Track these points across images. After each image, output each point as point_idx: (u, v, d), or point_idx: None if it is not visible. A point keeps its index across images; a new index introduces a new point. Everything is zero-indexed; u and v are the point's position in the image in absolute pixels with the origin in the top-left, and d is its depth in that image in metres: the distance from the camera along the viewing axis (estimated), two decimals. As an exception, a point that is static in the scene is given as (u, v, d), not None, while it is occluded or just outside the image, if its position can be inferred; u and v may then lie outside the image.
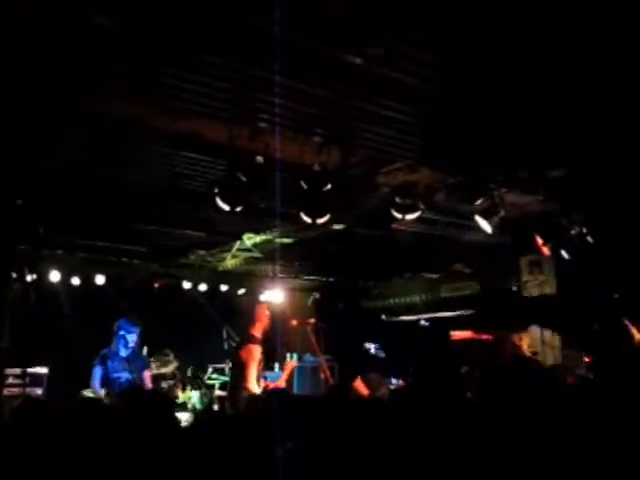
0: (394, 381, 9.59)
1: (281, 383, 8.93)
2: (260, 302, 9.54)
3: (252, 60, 4.59)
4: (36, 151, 6.43)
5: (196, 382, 10.67)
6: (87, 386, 8.94)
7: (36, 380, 9.66)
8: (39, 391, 9.32)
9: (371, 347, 9.68)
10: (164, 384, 10.08)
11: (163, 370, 10.35)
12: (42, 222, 8.28)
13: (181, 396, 10.01)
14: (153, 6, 4.04)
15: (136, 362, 8.18)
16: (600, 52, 4.67)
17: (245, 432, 3.51)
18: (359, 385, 9.32)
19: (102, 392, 7.93)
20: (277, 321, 12.95)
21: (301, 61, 4.62)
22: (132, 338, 8.22)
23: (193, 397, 10.07)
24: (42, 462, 3.16)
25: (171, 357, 10.47)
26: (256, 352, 8.15)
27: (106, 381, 7.92)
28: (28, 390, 9.17)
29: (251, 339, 8.32)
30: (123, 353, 8.10)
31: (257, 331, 8.40)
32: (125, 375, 7.98)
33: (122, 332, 8.18)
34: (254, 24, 4.12)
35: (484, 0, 4.12)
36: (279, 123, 5.59)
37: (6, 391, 8.59)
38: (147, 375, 8.41)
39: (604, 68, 4.89)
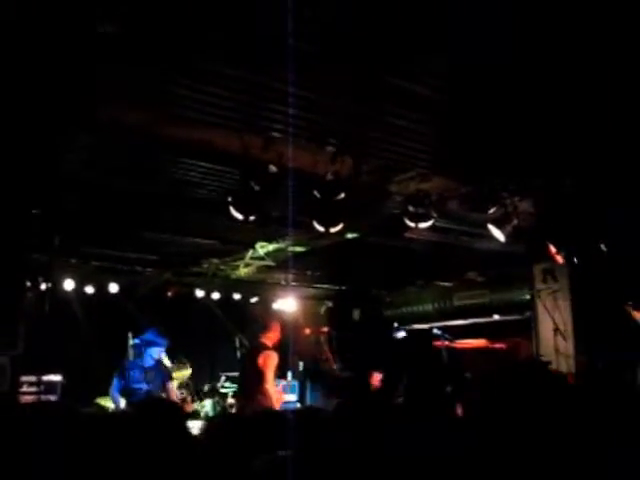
0: None
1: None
2: (273, 318, 9.56)
3: (266, 71, 4.62)
4: (51, 160, 6.48)
5: (210, 391, 10.69)
6: (101, 394, 9.01)
7: (50, 387, 9.70)
8: (53, 398, 9.35)
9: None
10: (178, 392, 10.09)
11: (178, 377, 10.38)
12: (56, 231, 8.32)
13: (194, 405, 10.02)
14: (167, 16, 4.07)
15: (157, 373, 8.25)
16: (614, 58, 4.66)
17: (252, 436, 3.52)
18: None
19: (121, 402, 8.00)
20: (290, 329, 13.04)
21: (314, 72, 4.64)
22: (159, 350, 8.31)
23: (206, 406, 10.08)
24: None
25: (187, 365, 10.49)
26: (275, 358, 8.25)
27: (127, 391, 7.99)
28: (43, 398, 9.20)
29: (266, 347, 8.39)
30: (146, 364, 8.17)
31: (269, 341, 8.49)
32: (145, 386, 8.05)
33: (150, 343, 8.25)
34: (268, 35, 4.15)
35: (496, 9, 4.12)
36: (292, 133, 5.61)
37: (21, 398, 8.63)
38: (170, 386, 8.46)
39: (618, 75, 4.89)
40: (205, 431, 4.01)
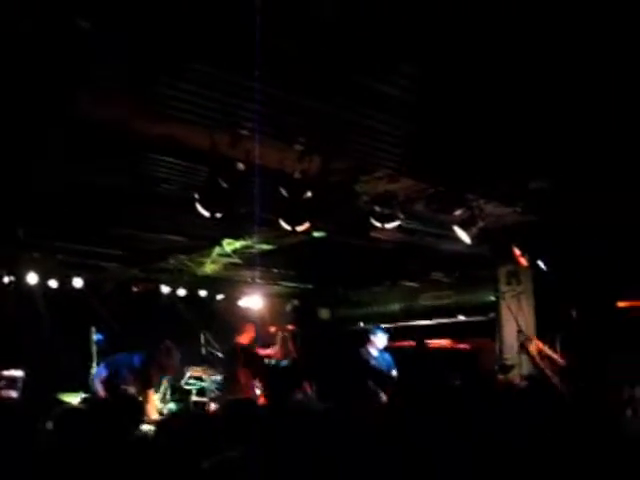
0: None
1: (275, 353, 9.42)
2: (246, 320, 9.79)
3: (234, 67, 4.61)
4: (16, 154, 6.41)
5: (173, 388, 10.62)
6: (63, 390, 8.94)
7: (11, 383, 9.58)
8: (14, 394, 9.25)
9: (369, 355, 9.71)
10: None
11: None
12: (21, 224, 8.24)
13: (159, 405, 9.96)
14: (138, 12, 4.05)
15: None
16: (583, 61, 4.72)
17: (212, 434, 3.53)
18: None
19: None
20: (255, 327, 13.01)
21: (283, 69, 4.65)
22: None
23: (169, 403, 10.02)
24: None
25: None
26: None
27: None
28: (3, 393, 9.10)
29: (244, 346, 8.93)
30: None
31: (244, 341, 8.88)
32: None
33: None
34: (236, 31, 4.14)
35: (464, 13, 4.15)
36: (260, 130, 5.60)
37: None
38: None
39: (586, 78, 4.95)
40: (160, 429, 3.99)
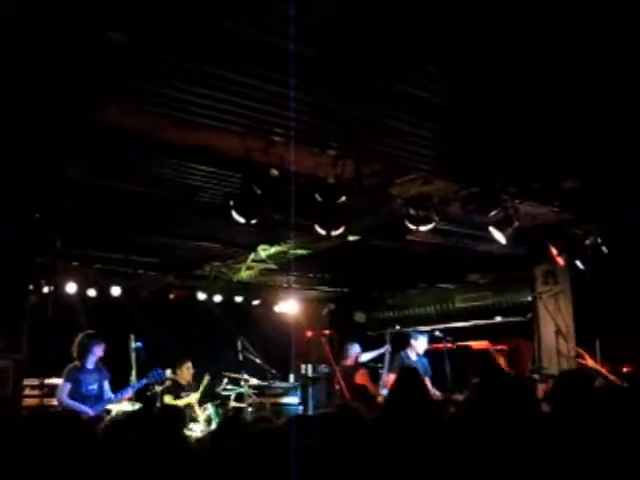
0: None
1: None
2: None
3: (268, 75, 4.64)
4: (53, 164, 6.50)
5: (212, 395, 10.69)
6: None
7: (53, 391, 9.70)
8: (56, 402, 9.35)
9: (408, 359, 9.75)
10: (183, 394, 10.11)
11: (185, 378, 10.39)
12: (59, 235, 8.34)
13: (196, 408, 10.02)
14: (169, 23, 4.09)
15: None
16: (614, 62, 4.68)
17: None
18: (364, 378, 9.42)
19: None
20: (291, 332, 13.05)
21: (316, 76, 4.66)
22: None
23: (208, 409, 10.08)
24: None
25: (190, 365, 10.51)
26: None
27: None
28: (46, 401, 9.22)
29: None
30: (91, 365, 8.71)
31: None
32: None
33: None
34: (269, 40, 4.17)
35: (494, 13, 4.14)
36: (294, 137, 5.63)
37: (24, 402, 8.67)
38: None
39: (616, 78, 4.90)
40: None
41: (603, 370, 8.08)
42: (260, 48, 4.29)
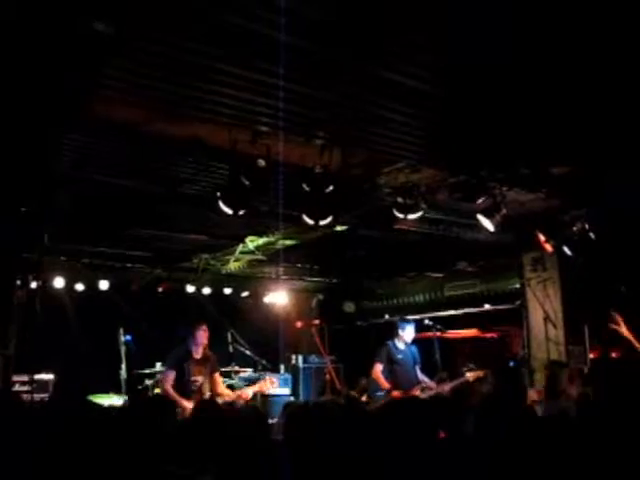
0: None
1: None
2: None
3: (254, 65, 4.61)
4: (40, 158, 6.46)
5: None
6: (94, 391, 9.02)
7: (43, 386, 9.67)
8: (46, 397, 9.32)
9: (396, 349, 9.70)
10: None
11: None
12: (46, 229, 8.29)
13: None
14: (155, 14, 4.06)
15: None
16: (602, 49, 4.67)
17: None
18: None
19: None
20: (281, 323, 13.05)
21: (302, 65, 4.64)
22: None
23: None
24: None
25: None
26: None
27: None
28: (35, 396, 9.18)
29: None
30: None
31: None
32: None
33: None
34: (255, 29, 4.14)
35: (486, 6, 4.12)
36: (281, 126, 5.61)
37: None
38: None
39: (606, 65, 4.90)
40: None
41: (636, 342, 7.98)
42: (247, 38, 4.26)
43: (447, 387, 9.16)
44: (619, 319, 8.01)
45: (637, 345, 7.84)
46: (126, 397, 9.17)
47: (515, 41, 4.54)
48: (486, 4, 4.09)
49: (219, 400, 7.75)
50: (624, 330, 7.99)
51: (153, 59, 4.58)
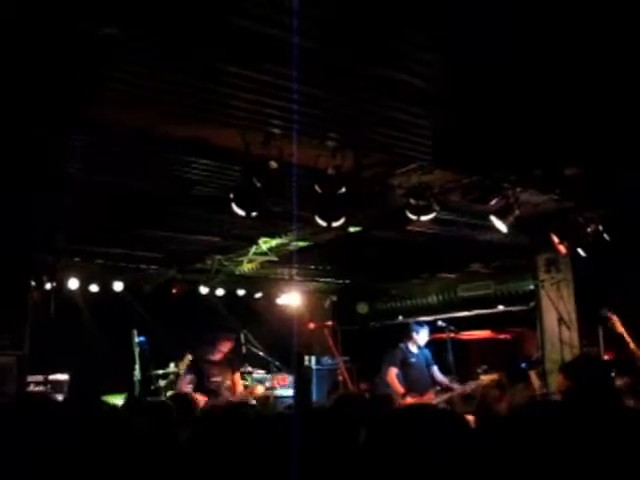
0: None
1: None
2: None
3: (266, 67, 4.62)
4: (53, 161, 6.50)
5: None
6: (107, 392, 9.06)
7: (57, 387, 9.74)
8: (60, 397, 9.38)
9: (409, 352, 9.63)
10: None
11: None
12: (60, 231, 8.35)
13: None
14: (165, 15, 4.07)
15: None
16: (617, 47, 4.65)
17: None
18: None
19: None
20: (294, 324, 13.06)
21: (314, 67, 4.65)
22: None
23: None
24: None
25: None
26: None
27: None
28: (50, 397, 9.25)
29: None
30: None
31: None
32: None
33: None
34: (268, 32, 4.15)
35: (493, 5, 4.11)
36: (293, 128, 5.61)
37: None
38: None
39: (621, 64, 4.87)
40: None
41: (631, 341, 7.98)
42: (260, 40, 4.27)
43: (468, 389, 9.12)
44: (614, 318, 8.03)
45: (631, 345, 7.84)
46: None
47: (525, 40, 4.52)
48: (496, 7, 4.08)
49: (233, 399, 7.94)
50: (619, 327, 8.02)
51: (164, 62, 4.59)
